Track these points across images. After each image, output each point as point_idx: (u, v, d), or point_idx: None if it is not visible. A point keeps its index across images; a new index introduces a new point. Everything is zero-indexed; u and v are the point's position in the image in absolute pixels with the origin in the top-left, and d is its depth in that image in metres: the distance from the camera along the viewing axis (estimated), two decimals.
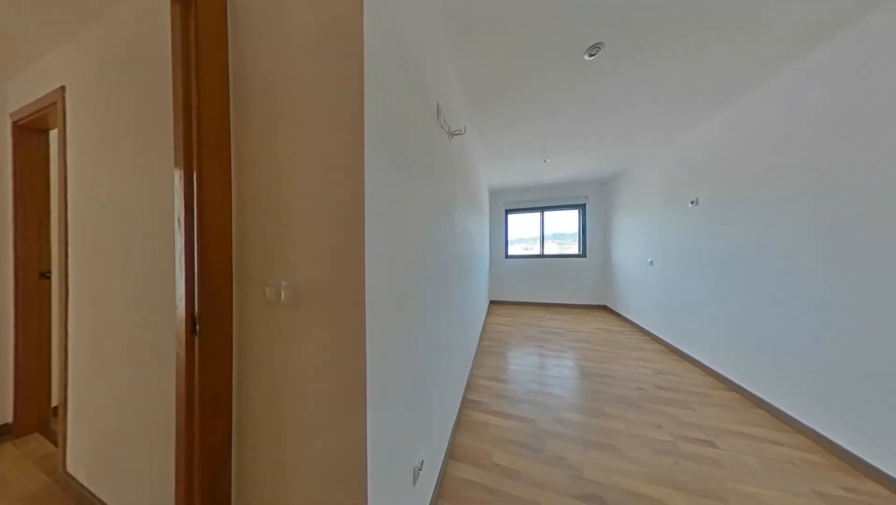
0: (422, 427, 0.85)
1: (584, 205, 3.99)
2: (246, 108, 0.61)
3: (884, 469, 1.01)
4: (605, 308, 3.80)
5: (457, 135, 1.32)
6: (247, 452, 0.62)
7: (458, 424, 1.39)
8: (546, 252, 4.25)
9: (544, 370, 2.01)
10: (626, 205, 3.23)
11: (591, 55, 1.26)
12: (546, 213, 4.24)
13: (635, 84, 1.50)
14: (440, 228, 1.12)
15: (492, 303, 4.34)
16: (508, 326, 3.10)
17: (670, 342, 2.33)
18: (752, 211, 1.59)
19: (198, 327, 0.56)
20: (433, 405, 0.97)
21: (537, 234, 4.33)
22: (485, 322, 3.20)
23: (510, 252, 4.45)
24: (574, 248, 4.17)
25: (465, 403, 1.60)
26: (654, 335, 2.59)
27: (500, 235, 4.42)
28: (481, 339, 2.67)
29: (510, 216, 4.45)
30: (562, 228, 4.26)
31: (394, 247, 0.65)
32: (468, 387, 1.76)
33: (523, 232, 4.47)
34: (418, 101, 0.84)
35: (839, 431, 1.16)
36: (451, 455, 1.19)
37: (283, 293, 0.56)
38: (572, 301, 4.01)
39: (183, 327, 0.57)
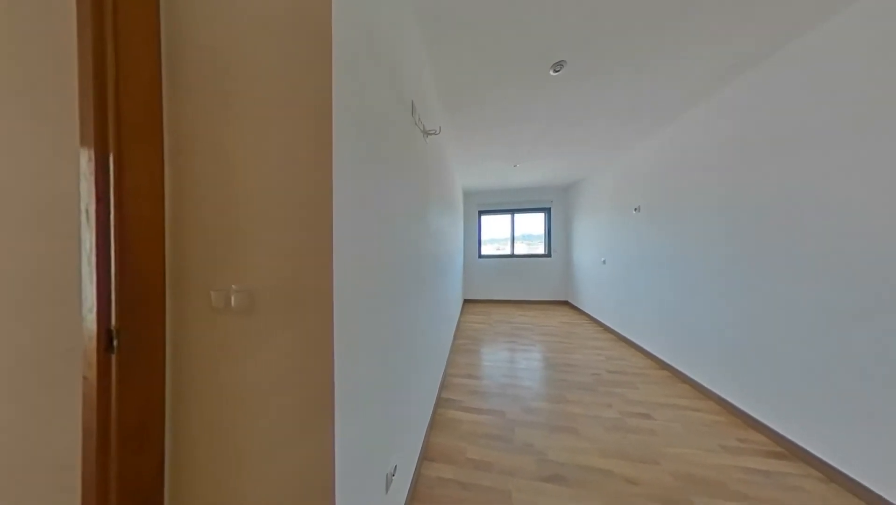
0: (395, 432, 0.82)
1: (550, 208, 4.32)
2: (184, 81, 0.52)
3: (765, 422, 1.30)
4: (567, 303, 4.17)
5: (432, 134, 1.31)
6: (185, 488, 0.53)
7: (433, 424, 1.39)
8: (516, 252, 4.50)
9: (514, 364, 2.12)
10: (584, 209, 3.59)
11: (556, 71, 1.37)
12: (516, 216, 4.48)
13: (593, 102, 1.68)
14: (415, 228, 1.10)
15: (466, 301, 4.43)
16: (482, 324, 3.20)
17: (619, 331, 2.66)
18: (678, 218, 1.90)
19: (116, 343, 0.46)
20: (407, 408, 0.96)
21: (508, 235, 4.55)
22: (459, 321, 3.25)
23: (483, 252, 4.60)
24: (540, 249, 4.49)
25: (440, 402, 1.60)
26: (606, 326, 2.92)
27: (474, 236, 4.54)
28: (456, 337, 2.71)
29: (483, 217, 4.59)
30: (530, 230, 4.56)
31: (366, 246, 0.62)
32: (443, 386, 1.77)
33: (495, 233, 4.66)
34: (392, 96, 0.82)
35: (735, 395, 1.45)
36: (426, 456, 1.19)
37: (234, 298, 0.49)
38: (539, 298, 4.31)
39: (94, 344, 0.46)
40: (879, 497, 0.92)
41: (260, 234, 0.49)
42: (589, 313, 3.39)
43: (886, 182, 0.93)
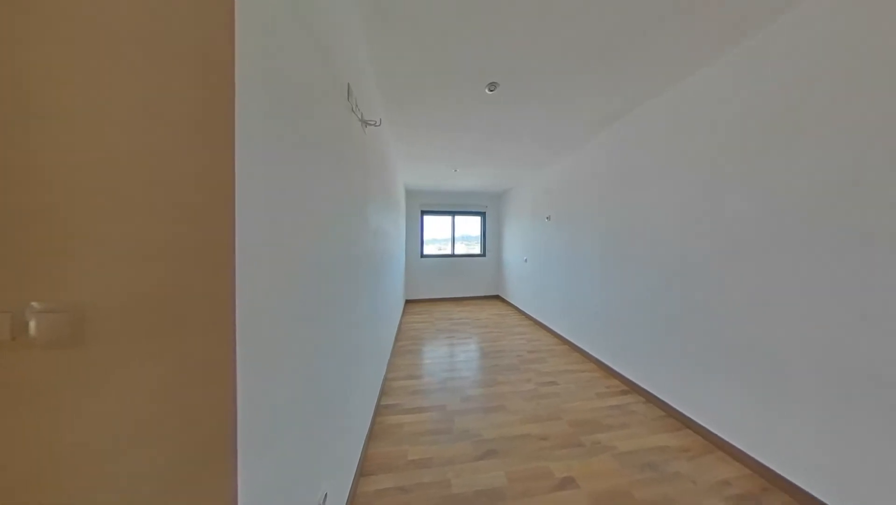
0: (325, 455, 0.73)
1: (485, 213, 4.80)
2: None
3: (618, 371, 1.86)
4: (498, 297, 4.74)
5: (371, 125, 1.23)
6: None
7: (371, 435, 1.31)
8: (456, 252, 4.77)
9: (454, 357, 2.25)
10: (512, 215, 4.18)
11: (491, 90, 1.53)
12: (457, 217, 4.75)
13: (519, 124, 1.97)
14: (352, 225, 1.00)
15: (408, 302, 4.36)
16: (423, 323, 3.23)
17: (537, 318, 3.22)
18: (574, 226, 2.48)
19: None
20: (340, 425, 0.86)
21: (449, 235, 4.77)
22: (400, 322, 3.17)
23: (426, 252, 4.64)
24: (477, 249, 4.93)
25: (379, 410, 1.52)
26: (528, 314, 3.49)
27: (416, 235, 4.53)
28: (397, 339, 2.63)
29: (426, 217, 4.64)
30: (468, 231, 4.92)
31: (288, 244, 0.52)
32: (382, 392, 1.69)
33: (437, 233, 4.80)
34: (323, 72, 0.72)
35: (605, 355, 2.02)
36: (363, 471, 1.10)
37: (36, 323, 0.32)
38: (475, 294, 4.72)
39: None
40: (671, 407, 1.49)
41: (100, 226, 0.33)
42: (515, 305, 3.96)
43: (672, 208, 1.49)
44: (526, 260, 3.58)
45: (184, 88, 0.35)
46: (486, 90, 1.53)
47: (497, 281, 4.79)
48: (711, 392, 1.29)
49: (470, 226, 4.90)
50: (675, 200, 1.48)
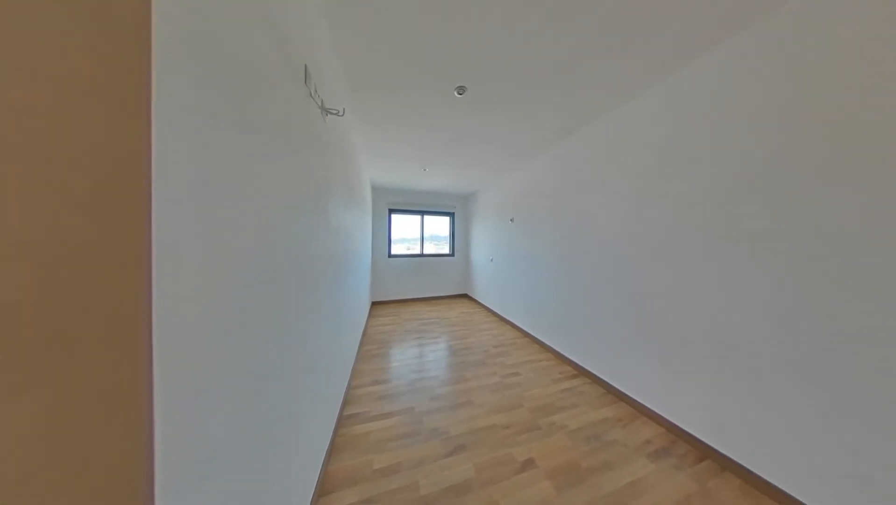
0: (275, 484, 0.64)
1: (454, 213, 4.88)
2: None
3: (569, 357, 2.10)
4: (466, 296, 4.87)
5: (333, 114, 1.13)
6: None
7: (333, 450, 1.21)
8: (425, 252, 4.74)
9: (423, 358, 2.23)
10: (479, 217, 4.35)
11: (460, 94, 1.56)
12: (426, 217, 4.72)
13: (486, 130, 2.06)
14: (309, 222, 0.91)
15: (374, 304, 4.16)
16: (391, 325, 3.12)
17: (502, 314, 3.42)
18: (534, 228, 2.71)
19: None
20: (293, 447, 0.77)
21: (418, 235, 4.71)
22: (366, 326, 3.01)
23: (394, 251, 4.50)
24: (446, 249, 4.98)
25: (341, 422, 1.41)
26: (493, 311, 3.67)
27: (384, 234, 4.35)
28: (362, 344, 2.49)
29: (394, 216, 4.50)
30: (437, 231, 4.94)
31: (225, 242, 0.45)
32: (345, 402, 1.57)
33: (406, 232, 4.69)
34: (272, 47, 0.63)
35: (559, 344, 2.26)
36: (322, 491, 1.01)
37: None
38: (444, 293, 4.77)
39: None
40: (610, 384, 1.74)
41: None
42: (482, 302, 4.13)
43: (611, 216, 1.75)
44: (492, 260, 3.77)
45: (68, 35, 0.27)
46: (455, 93, 1.56)
47: (465, 280, 4.92)
48: (638, 369, 1.55)
49: (439, 226, 4.93)
50: (613, 210, 1.73)
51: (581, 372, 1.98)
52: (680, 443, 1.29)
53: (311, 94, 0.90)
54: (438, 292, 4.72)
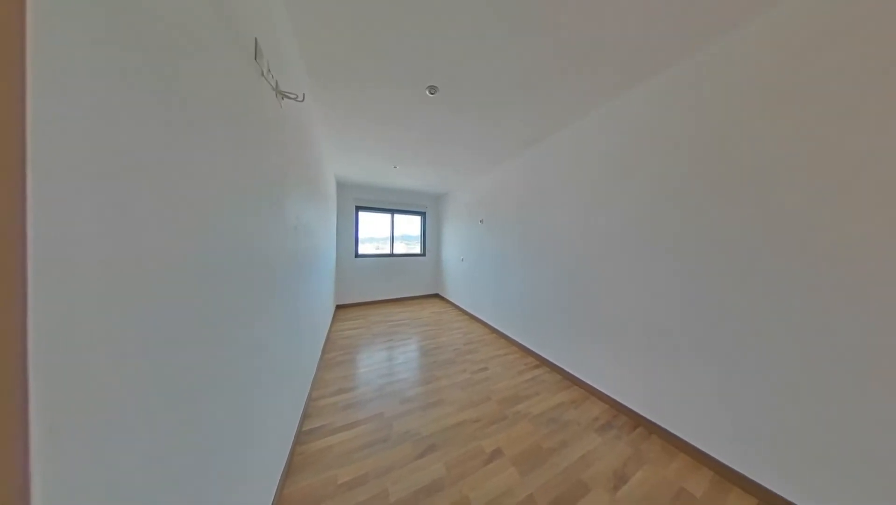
0: None
1: (425, 213, 4.85)
2: None
3: (532, 349, 2.28)
4: (437, 296, 4.89)
5: (291, 98, 1.02)
6: None
7: (290, 471, 1.09)
8: (396, 252, 4.60)
9: (392, 361, 2.17)
10: (450, 217, 4.40)
11: (432, 93, 1.56)
12: (396, 216, 4.59)
13: (458, 131, 2.09)
14: (262, 218, 0.80)
15: (339, 308, 3.89)
16: (358, 329, 2.96)
17: (472, 312, 3.52)
18: (502, 230, 2.85)
19: None
20: (240, 477, 0.68)
21: (388, 234, 4.55)
22: (329, 331, 2.79)
23: (361, 251, 4.27)
24: (417, 249, 4.92)
25: (300, 438, 1.29)
26: (464, 310, 3.76)
27: (350, 233, 4.10)
28: (325, 351, 2.30)
29: (361, 213, 4.27)
30: (408, 231, 4.85)
31: (142, 240, 0.37)
32: (305, 416, 1.44)
33: (375, 231, 4.50)
34: (211, 13, 0.54)
35: (524, 338, 2.42)
36: None
37: None
38: (415, 293, 4.71)
39: None
40: (566, 371, 1.93)
41: None
42: (453, 302, 4.19)
43: (569, 220, 1.95)
44: (463, 259, 3.85)
45: None
46: (427, 92, 1.55)
47: (437, 280, 4.93)
48: (588, 355, 1.76)
49: (410, 225, 4.84)
50: (571, 215, 1.93)
51: (542, 362, 2.16)
52: (620, 416, 1.50)
53: (263, 74, 0.80)
54: (409, 293, 4.64)
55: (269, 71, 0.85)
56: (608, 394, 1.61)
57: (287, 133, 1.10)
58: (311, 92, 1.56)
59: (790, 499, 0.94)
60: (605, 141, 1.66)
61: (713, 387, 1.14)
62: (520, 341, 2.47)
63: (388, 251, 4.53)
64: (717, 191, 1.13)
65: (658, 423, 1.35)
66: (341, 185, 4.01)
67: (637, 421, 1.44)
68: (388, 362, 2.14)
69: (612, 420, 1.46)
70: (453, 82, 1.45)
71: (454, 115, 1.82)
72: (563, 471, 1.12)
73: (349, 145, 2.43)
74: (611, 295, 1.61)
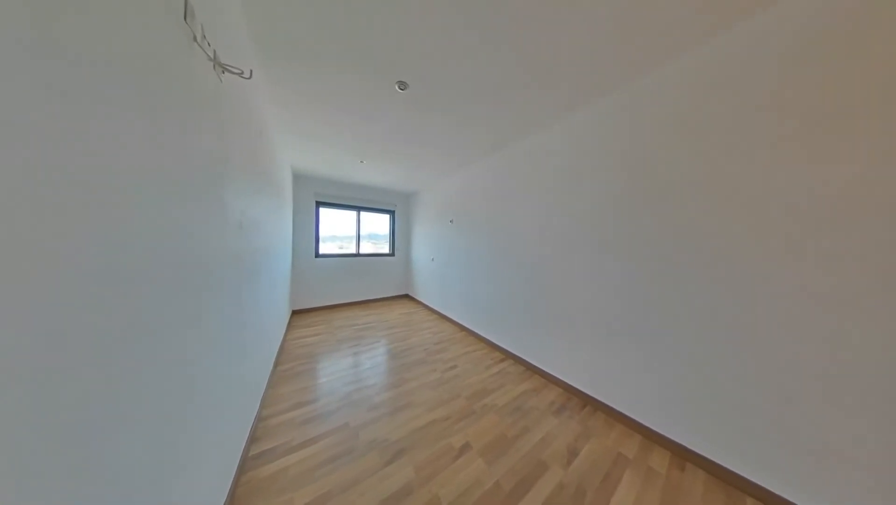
0: None
1: (394, 211, 4.71)
2: None
3: (499, 343, 2.40)
4: (407, 296, 4.79)
5: (234, 73, 0.89)
6: None
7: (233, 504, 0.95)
8: (362, 251, 4.36)
9: (359, 367, 2.05)
10: (420, 216, 4.36)
11: (402, 89, 1.52)
12: (363, 213, 4.34)
13: (428, 131, 2.08)
14: (195, 212, 0.68)
15: (296, 313, 3.51)
16: (319, 335, 2.71)
17: (442, 312, 3.54)
18: (471, 231, 2.94)
19: None
20: None
21: (353, 232, 4.29)
22: (284, 341, 2.50)
23: (322, 251, 3.93)
24: (386, 248, 4.75)
25: (245, 466, 1.13)
26: (434, 309, 3.76)
27: (310, 231, 3.73)
28: (278, 364, 2.05)
29: (323, 210, 3.92)
30: (376, 230, 4.64)
31: (17, 234, 0.28)
32: (252, 440, 1.26)
33: (338, 229, 4.18)
34: None
35: (490, 333, 2.54)
36: None
37: None
38: (384, 295, 4.53)
39: None
40: (528, 362, 2.08)
41: None
42: (423, 302, 4.16)
43: (531, 222, 2.10)
44: (433, 259, 3.85)
45: None
46: (397, 87, 1.50)
47: (406, 280, 4.83)
48: (546, 345, 1.93)
49: (378, 223, 4.64)
50: (532, 216, 2.09)
51: (508, 356, 2.30)
52: (573, 398, 1.68)
53: (196, 39, 0.67)
54: (377, 294, 4.44)
55: (205, 37, 0.72)
56: (563, 379, 1.79)
57: (228, 113, 0.94)
58: (263, 69, 1.38)
59: (693, 449, 1.18)
60: (561, 152, 1.84)
61: (641, 364, 1.37)
62: (487, 337, 2.58)
63: (353, 251, 4.27)
64: (645, 201, 1.36)
65: (601, 400, 1.55)
66: (299, 178, 3.62)
67: (585, 401, 1.64)
68: (355, 369, 2.01)
69: (566, 403, 1.64)
70: (424, 81, 1.44)
71: (425, 114, 1.80)
72: (525, 454, 1.21)
73: (309, 134, 2.21)
74: (565, 291, 1.79)
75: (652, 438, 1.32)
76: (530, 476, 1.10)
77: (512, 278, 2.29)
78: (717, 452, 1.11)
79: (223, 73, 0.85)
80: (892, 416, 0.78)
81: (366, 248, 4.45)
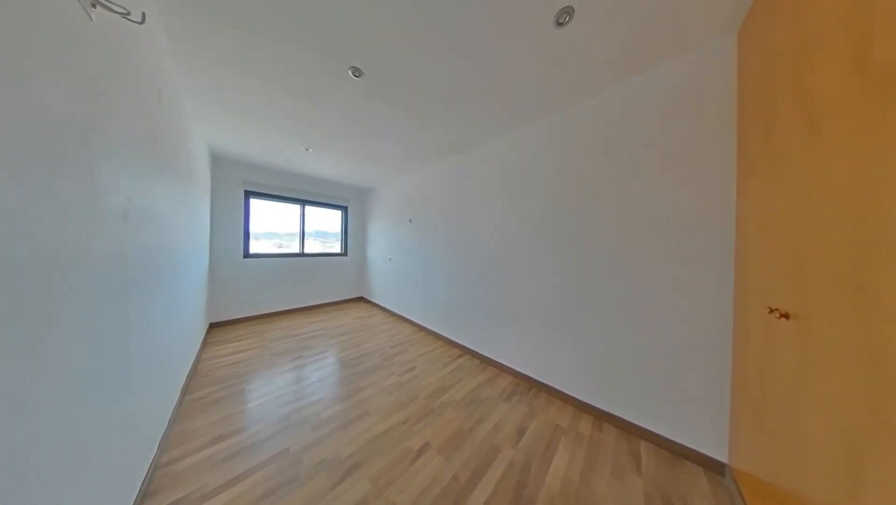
0: None
1: (347, 207, 4.33)
2: None
3: (458, 341, 2.48)
4: (362, 299, 4.47)
5: (115, 12, 0.67)
6: None
7: None
8: (307, 251, 3.86)
9: (301, 382, 1.81)
10: (376, 214, 4.13)
11: (356, 76, 1.41)
12: (308, 208, 3.85)
13: (386, 125, 1.98)
14: (43, 194, 0.48)
15: (215, 327, 2.87)
16: (247, 351, 2.28)
17: (400, 313, 3.43)
18: (429, 230, 2.95)
19: None
20: None
21: (297, 229, 3.76)
22: (197, 362, 2.01)
23: (254, 249, 3.31)
24: (337, 247, 4.33)
25: None
26: (392, 311, 3.62)
27: (237, 226, 3.10)
28: (187, 391, 1.64)
29: (256, 201, 3.31)
30: (325, 227, 4.18)
31: None
32: (145, 496, 0.97)
33: (277, 225, 3.60)
34: None
35: (448, 331, 2.60)
36: None
37: None
38: (335, 298, 4.12)
39: None
40: (483, 355, 2.21)
41: None
42: (380, 304, 3.95)
43: (485, 223, 2.24)
44: (391, 259, 3.70)
45: None
46: (351, 73, 1.39)
47: (361, 282, 4.51)
48: (498, 337, 2.09)
49: (328, 220, 4.19)
50: (486, 218, 2.23)
51: (465, 351, 2.39)
52: (522, 384, 1.87)
53: None
54: (327, 298, 4.01)
55: None
56: (513, 367, 1.98)
57: (102, 64, 0.70)
58: (165, 16, 1.07)
59: (608, 410, 1.46)
60: (512, 161, 2.02)
61: (572, 346, 1.62)
62: (445, 335, 2.64)
63: (296, 250, 3.74)
64: (574, 209, 1.62)
65: (544, 381, 1.78)
66: (222, 162, 2.97)
67: (532, 384, 1.84)
68: (297, 385, 1.76)
69: (515, 388, 1.81)
70: (381, 71, 1.37)
71: (384, 107, 1.72)
72: (480, 443, 1.29)
73: (236, 109, 1.83)
74: (514, 287, 1.98)
75: (581, 407, 1.57)
76: (484, 462, 1.17)
77: (468, 276, 2.39)
78: (623, 410, 1.41)
79: (93, 6, 0.63)
80: (717, 366, 1.13)
81: (313, 246, 3.96)
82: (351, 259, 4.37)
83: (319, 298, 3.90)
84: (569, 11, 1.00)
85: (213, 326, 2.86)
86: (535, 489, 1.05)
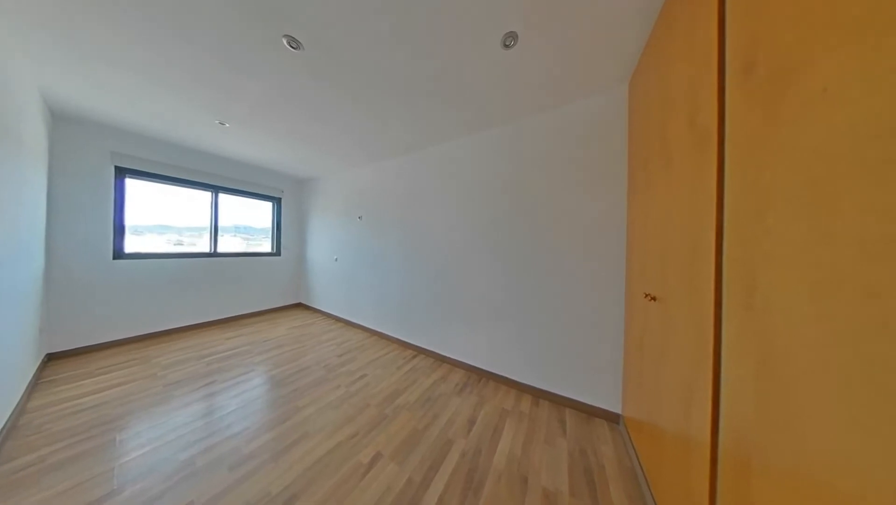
0: None
1: (280, 199, 3.69)
2: None
3: (412, 342, 2.44)
4: (300, 305, 3.89)
5: None
6: None
7: None
8: (222, 249, 3.11)
9: (213, 414, 1.45)
10: (319, 209, 3.67)
11: (293, 47, 1.21)
12: (223, 196, 3.10)
13: (331, 109, 1.77)
14: None
15: (58, 358, 2.00)
16: (123, 385, 1.68)
17: (348, 318, 3.14)
18: (382, 228, 2.80)
19: None
20: None
21: (207, 223, 2.99)
22: (17, 414, 1.37)
23: (131, 248, 2.47)
24: (267, 246, 3.64)
25: None
26: (338, 317, 3.27)
27: (101, 215, 2.24)
28: (5, 460, 1.09)
29: (133, 182, 2.47)
30: (249, 221, 3.46)
31: None
32: None
33: (175, 217, 2.77)
34: None
35: (401, 333, 2.53)
36: None
37: None
38: (265, 306, 3.46)
39: None
40: (438, 353, 2.24)
41: None
42: (322, 310, 3.52)
43: (441, 223, 2.28)
44: (336, 259, 3.35)
45: None
46: (286, 42, 1.18)
47: (298, 286, 3.92)
48: (451, 334, 2.16)
49: (254, 214, 3.48)
50: (443, 221, 2.27)
51: (420, 351, 2.37)
52: (473, 376, 1.98)
53: None
54: (254, 307, 3.32)
55: None
56: (465, 361, 2.08)
57: None
58: None
59: (543, 388, 1.70)
60: (466, 166, 2.12)
61: (515, 336, 1.82)
62: (399, 337, 2.56)
63: (205, 249, 2.97)
64: (519, 215, 1.82)
65: (492, 371, 1.93)
66: (71, 122, 2.08)
67: (482, 375, 1.97)
68: (204, 420, 1.40)
69: (468, 381, 1.90)
70: (322, 45, 1.21)
71: (325, 87, 1.53)
72: (434, 440, 1.30)
73: (97, 44, 1.30)
74: (466, 285, 2.08)
75: (522, 389, 1.78)
76: (439, 458, 1.19)
77: (421, 277, 2.39)
78: (553, 385, 1.66)
79: None
80: (615, 341, 1.46)
81: (231, 244, 3.22)
82: (286, 259, 3.75)
83: (242, 308, 3.20)
84: (513, 36, 1.11)
85: (55, 358, 1.99)
86: (485, 471, 1.13)
